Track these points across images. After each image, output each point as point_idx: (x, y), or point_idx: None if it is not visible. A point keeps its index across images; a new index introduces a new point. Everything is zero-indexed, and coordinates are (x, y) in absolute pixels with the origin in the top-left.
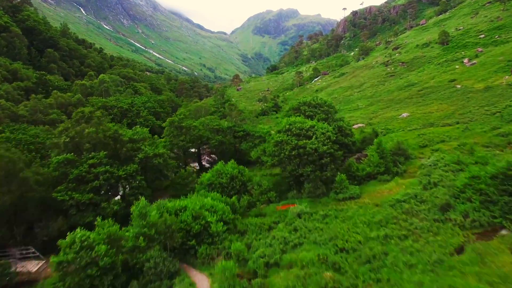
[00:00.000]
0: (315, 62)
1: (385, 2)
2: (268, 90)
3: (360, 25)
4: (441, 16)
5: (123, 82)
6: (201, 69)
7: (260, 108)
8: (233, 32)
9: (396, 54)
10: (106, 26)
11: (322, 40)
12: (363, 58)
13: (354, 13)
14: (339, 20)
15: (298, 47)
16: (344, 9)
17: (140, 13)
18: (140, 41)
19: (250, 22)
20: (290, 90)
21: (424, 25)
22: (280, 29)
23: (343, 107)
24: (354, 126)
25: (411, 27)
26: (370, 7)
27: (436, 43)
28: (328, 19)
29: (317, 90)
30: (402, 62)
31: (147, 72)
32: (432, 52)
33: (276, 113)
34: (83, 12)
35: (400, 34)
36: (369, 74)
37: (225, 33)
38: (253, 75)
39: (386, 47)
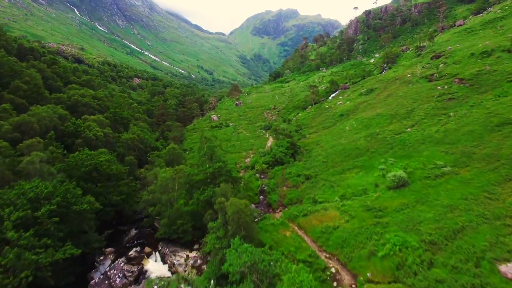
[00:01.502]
0: (326, 69)
1: (404, 0)
2: (274, 108)
3: (376, 26)
4: (487, 15)
5: (62, 120)
6: (198, 72)
7: (271, 156)
8: (231, 33)
9: (441, 65)
10: (100, 27)
11: (330, 43)
12: (390, 68)
13: (367, 13)
14: (340, 20)
15: (303, 50)
16: (356, 8)
17: (136, 13)
18: (135, 42)
19: (249, 22)
20: (302, 110)
21: (462, 26)
22: (279, 30)
23: (408, 167)
24: (503, 270)
25: (443, 28)
26: (386, 6)
27: (504, 50)
28: (328, 19)
29: (342, 115)
30: (460, 79)
31: (136, 79)
32: (505, 65)
33: (294, 159)
34: (77, 12)
35: (433, 38)
36: (411, 94)
37: (223, 34)
38: (254, 85)
39: (418, 54)
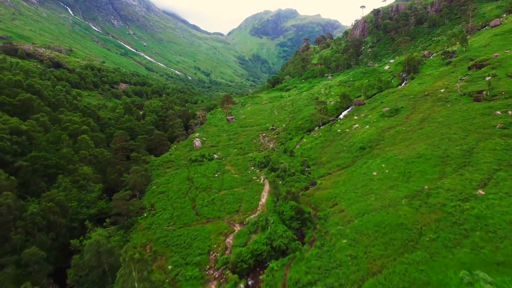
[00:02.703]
0: (332, 76)
1: None
2: (272, 128)
3: (387, 27)
4: None
5: None
6: (195, 73)
7: (265, 238)
8: (230, 33)
9: (488, 77)
10: (95, 27)
11: (334, 45)
12: (412, 78)
13: (376, 12)
14: (340, 21)
15: (304, 53)
16: (363, 7)
17: (132, 13)
18: (131, 43)
19: (248, 22)
20: (307, 133)
21: (500, 26)
22: (278, 30)
23: None
24: None
25: (472, 29)
26: (398, 5)
27: None
28: (328, 20)
29: (362, 148)
30: None
31: (123, 85)
32: None
33: (303, 239)
34: (71, 12)
35: (466, 41)
36: (456, 119)
37: (221, 34)
38: (251, 93)
39: (448, 62)
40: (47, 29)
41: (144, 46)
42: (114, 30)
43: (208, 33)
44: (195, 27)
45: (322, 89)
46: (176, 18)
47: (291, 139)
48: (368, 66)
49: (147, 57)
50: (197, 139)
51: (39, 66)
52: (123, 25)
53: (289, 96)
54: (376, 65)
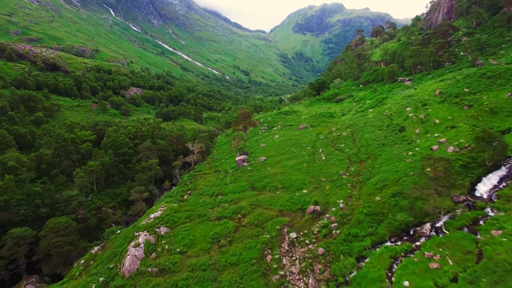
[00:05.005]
0: (411, 80)
1: None
2: (315, 209)
3: (497, 2)
4: None
5: None
6: (234, 72)
7: None
8: (272, 30)
9: None
10: (134, 27)
11: (404, 35)
12: None
13: None
14: (391, 14)
15: (359, 47)
16: None
17: (172, 12)
18: (169, 42)
19: (291, 19)
20: (404, 241)
21: None
22: (323, 26)
23: None
24: None
25: None
26: None
27: None
28: (378, 13)
29: None
30: None
31: (134, 89)
32: None
33: None
34: (112, 13)
35: None
36: None
37: (263, 32)
38: (286, 102)
39: None
40: (84, 30)
41: (182, 45)
42: (153, 29)
43: (250, 31)
44: (236, 25)
45: (409, 109)
46: (217, 16)
47: (361, 263)
48: (477, 65)
49: (184, 56)
50: (141, 241)
51: (26, 69)
52: (162, 24)
53: (342, 113)
54: (503, 63)
